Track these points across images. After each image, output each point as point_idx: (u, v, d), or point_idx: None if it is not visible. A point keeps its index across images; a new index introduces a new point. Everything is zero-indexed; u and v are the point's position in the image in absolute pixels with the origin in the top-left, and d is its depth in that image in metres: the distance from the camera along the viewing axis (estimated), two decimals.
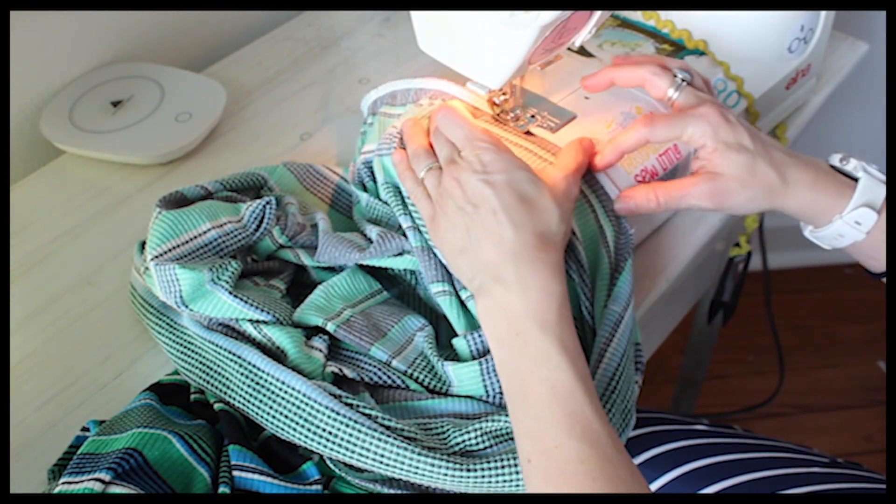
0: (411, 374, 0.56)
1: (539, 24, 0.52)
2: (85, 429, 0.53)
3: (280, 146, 0.77)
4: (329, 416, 0.51)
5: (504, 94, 0.63)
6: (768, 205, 0.57)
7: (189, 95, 0.79)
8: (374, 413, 0.51)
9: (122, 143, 0.75)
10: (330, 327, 0.56)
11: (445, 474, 0.49)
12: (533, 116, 0.64)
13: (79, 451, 0.50)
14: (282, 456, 0.52)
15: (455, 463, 0.49)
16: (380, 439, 0.50)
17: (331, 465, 0.52)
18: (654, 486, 0.70)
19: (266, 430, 0.53)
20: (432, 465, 0.49)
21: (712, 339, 1.19)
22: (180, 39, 0.89)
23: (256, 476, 0.49)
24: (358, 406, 0.51)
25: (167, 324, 0.59)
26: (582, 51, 0.72)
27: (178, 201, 0.60)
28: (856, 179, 0.56)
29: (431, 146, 0.59)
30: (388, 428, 0.51)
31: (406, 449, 0.49)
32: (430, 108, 0.64)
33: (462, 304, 0.56)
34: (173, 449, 0.50)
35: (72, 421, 0.56)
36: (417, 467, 0.49)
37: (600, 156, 0.59)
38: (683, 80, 0.59)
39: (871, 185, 0.56)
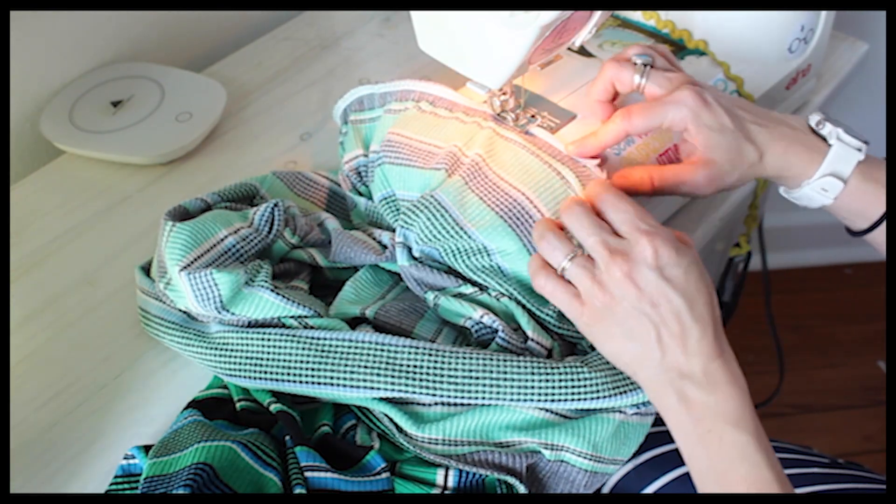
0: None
1: (539, 24, 0.52)
2: (128, 456, 0.52)
3: (280, 146, 0.77)
4: (410, 353, 0.52)
5: (504, 94, 0.63)
6: (750, 177, 0.58)
7: (189, 95, 0.79)
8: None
9: (122, 143, 0.75)
10: (370, 313, 0.57)
11: (533, 373, 0.52)
12: (533, 116, 0.64)
13: (144, 476, 0.49)
14: (342, 451, 0.52)
15: (540, 362, 0.52)
16: (464, 356, 0.52)
17: (397, 435, 0.53)
18: (653, 487, 0.69)
19: (320, 428, 0.53)
20: (518, 366, 0.52)
21: None
22: (180, 39, 0.89)
23: (330, 475, 0.49)
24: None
25: (195, 334, 0.58)
26: (582, 51, 0.72)
27: (182, 215, 0.60)
28: (829, 144, 0.57)
29: (561, 228, 0.54)
30: (467, 346, 0.53)
31: (491, 359, 0.52)
32: (411, 112, 0.64)
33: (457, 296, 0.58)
34: (240, 459, 0.49)
35: (72, 421, 0.56)
36: (505, 372, 0.52)
37: (580, 147, 0.59)
38: (645, 65, 0.59)
39: (843, 154, 0.56)
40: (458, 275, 0.59)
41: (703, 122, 0.56)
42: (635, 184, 0.58)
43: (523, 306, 0.56)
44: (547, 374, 0.52)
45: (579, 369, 0.53)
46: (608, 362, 0.53)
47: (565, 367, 0.53)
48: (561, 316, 0.56)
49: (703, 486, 0.49)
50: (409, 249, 0.60)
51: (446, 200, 0.58)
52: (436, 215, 0.58)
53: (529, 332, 0.55)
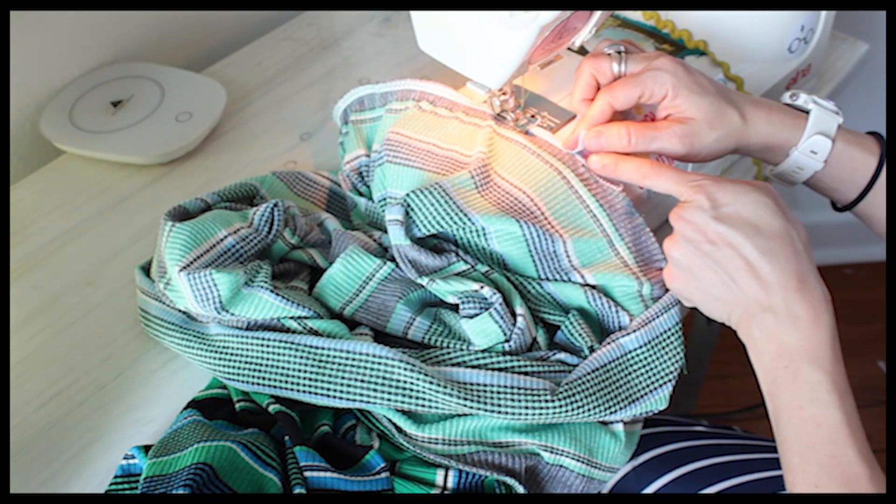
0: (429, 342, 0.57)
1: (539, 24, 0.52)
2: (128, 456, 0.52)
3: (280, 146, 0.77)
4: (405, 369, 0.52)
5: (504, 94, 0.63)
6: (734, 144, 0.58)
7: (189, 95, 0.79)
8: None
9: (122, 143, 0.75)
10: (348, 312, 0.58)
11: (535, 397, 0.52)
12: (533, 116, 0.64)
13: (144, 476, 0.49)
14: (341, 450, 0.52)
15: (540, 391, 0.52)
16: (460, 385, 0.52)
17: (397, 436, 0.53)
18: (653, 487, 0.70)
19: (320, 428, 0.54)
20: (514, 389, 0.52)
21: (712, 339, 1.18)
22: (180, 39, 0.89)
23: (329, 474, 0.49)
24: (427, 357, 0.55)
25: (195, 336, 0.58)
26: (582, 51, 0.72)
27: (182, 215, 0.60)
28: (807, 112, 0.58)
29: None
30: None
31: (487, 384, 0.52)
32: (411, 111, 0.64)
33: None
34: (239, 459, 0.49)
35: (72, 421, 0.56)
36: (500, 401, 0.52)
37: (571, 134, 0.60)
38: (619, 52, 0.59)
39: (823, 116, 0.58)
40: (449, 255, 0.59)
41: (683, 84, 0.56)
42: (611, 139, 0.57)
43: (514, 286, 0.58)
44: (541, 406, 0.52)
45: (573, 397, 0.52)
46: (595, 384, 0.53)
47: (559, 398, 0.52)
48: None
49: (778, 425, 0.49)
50: (405, 228, 0.59)
51: (450, 188, 0.58)
52: (440, 200, 0.58)
53: (518, 309, 0.55)
